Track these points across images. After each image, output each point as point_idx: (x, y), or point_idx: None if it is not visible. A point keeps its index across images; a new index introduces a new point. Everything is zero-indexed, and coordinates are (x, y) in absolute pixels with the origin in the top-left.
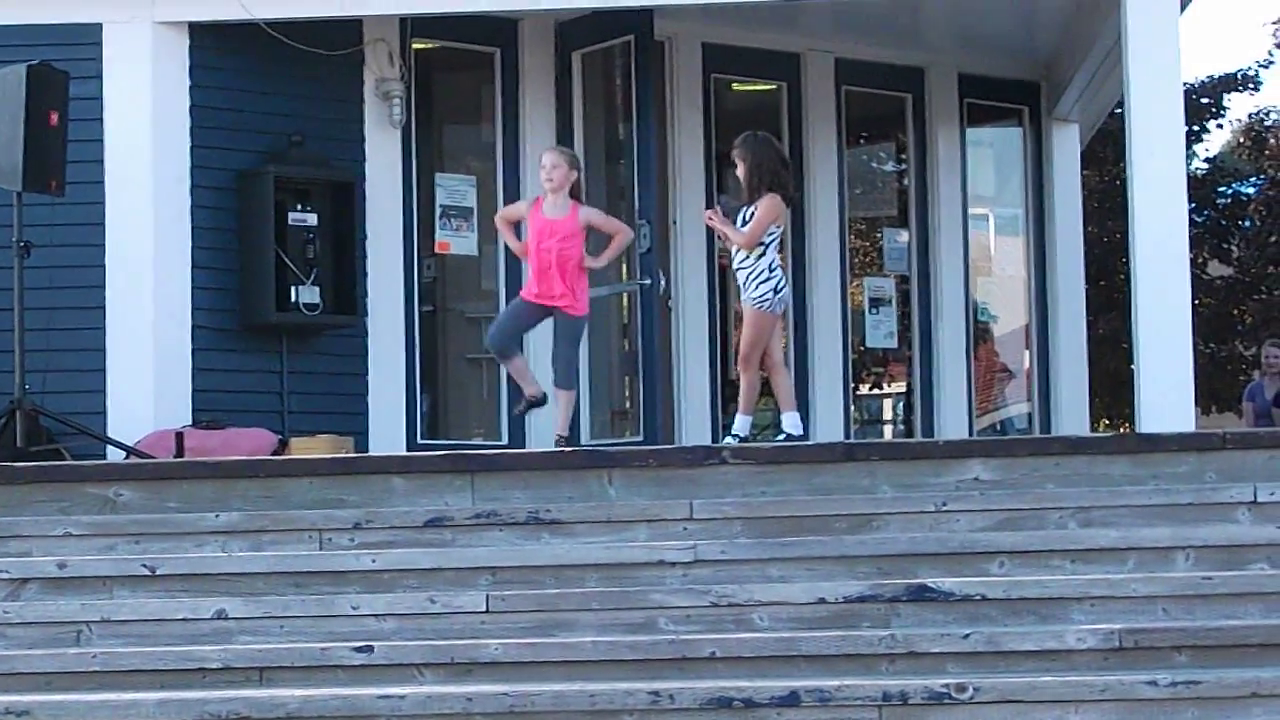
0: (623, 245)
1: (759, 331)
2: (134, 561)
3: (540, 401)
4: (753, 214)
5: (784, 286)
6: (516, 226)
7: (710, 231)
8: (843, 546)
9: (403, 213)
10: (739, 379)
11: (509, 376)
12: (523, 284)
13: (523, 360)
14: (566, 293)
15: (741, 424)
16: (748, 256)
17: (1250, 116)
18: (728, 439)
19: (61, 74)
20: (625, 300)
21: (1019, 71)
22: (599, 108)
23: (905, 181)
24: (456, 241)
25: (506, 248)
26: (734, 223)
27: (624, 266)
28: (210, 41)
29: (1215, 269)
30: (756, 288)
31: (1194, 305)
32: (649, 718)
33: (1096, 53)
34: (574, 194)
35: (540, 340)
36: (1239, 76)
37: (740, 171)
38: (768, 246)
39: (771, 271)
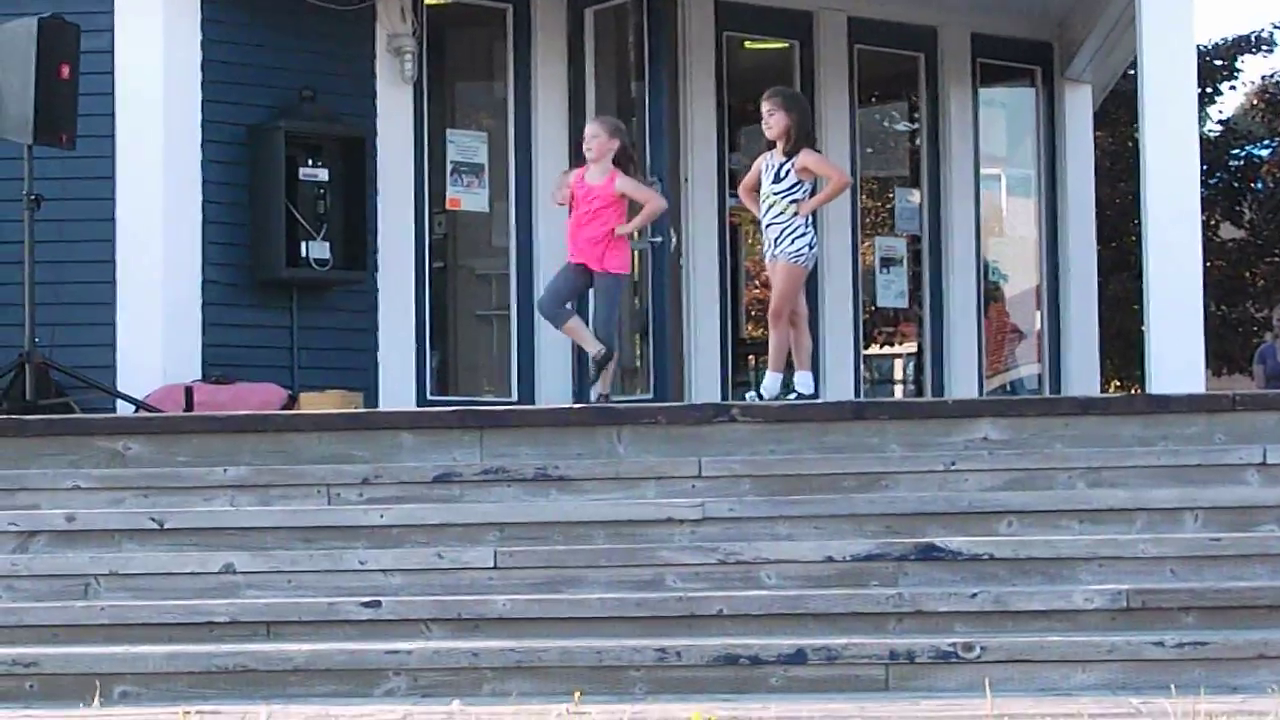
0: (652, 214)
1: (793, 285)
2: (142, 515)
3: (606, 358)
4: (789, 168)
5: (815, 241)
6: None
7: (721, 189)
8: (851, 505)
9: (414, 169)
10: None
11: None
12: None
13: (576, 320)
14: (598, 253)
15: (771, 382)
16: (781, 212)
17: (1264, 79)
18: (750, 395)
19: (73, 27)
20: (636, 258)
21: (1032, 32)
22: (611, 65)
23: (917, 141)
24: (467, 198)
25: (518, 205)
26: (771, 176)
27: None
28: None
29: (1227, 231)
30: (792, 242)
31: (1205, 267)
32: (656, 674)
33: (1110, 13)
34: (619, 160)
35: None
36: (1253, 38)
37: (775, 121)
38: (801, 201)
39: (807, 226)
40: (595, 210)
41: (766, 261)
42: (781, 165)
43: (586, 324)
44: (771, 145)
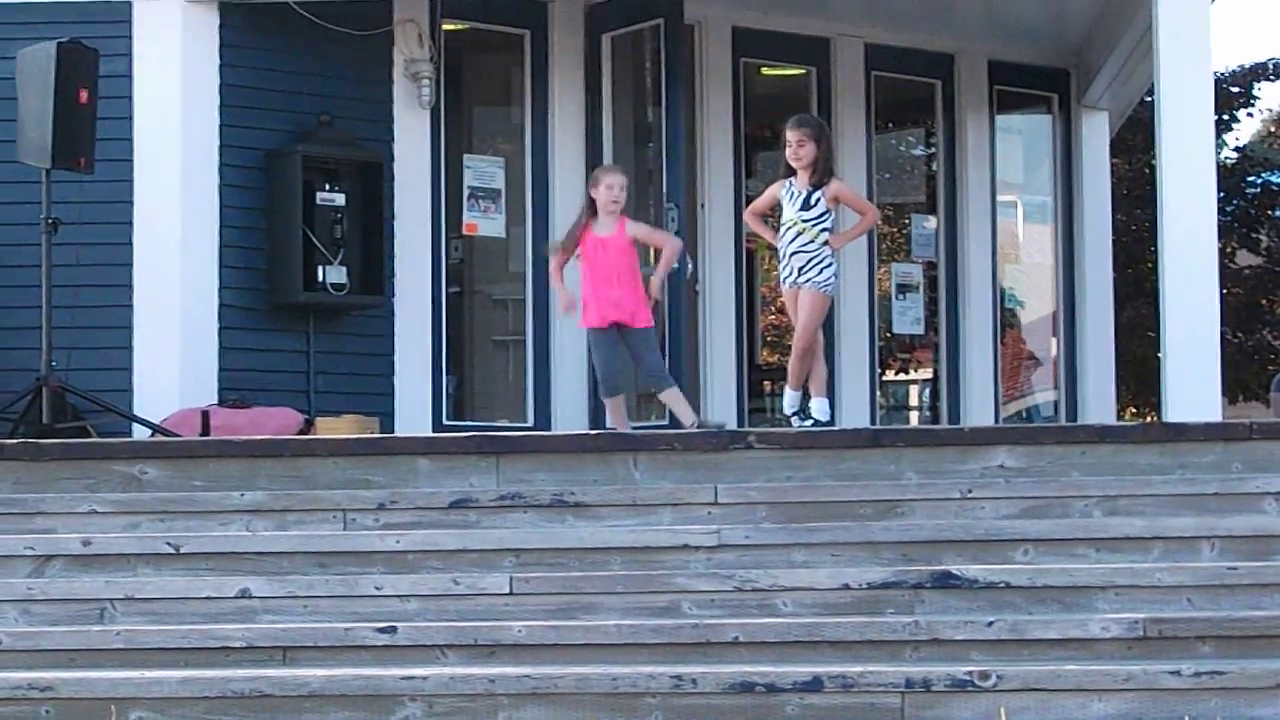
0: (671, 257)
1: (820, 313)
2: (159, 539)
3: (695, 411)
4: (819, 197)
5: (837, 270)
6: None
7: (738, 215)
8: (867, 532)
9: (431, 194)
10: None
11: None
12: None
13: (675, 390)
14: (634, 306)
15: (820, 407)
16: (811, 240)
17: None
18: (804, 423)
19: (91, 51)
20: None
21: (1049, 58)
22: (628, 91)
23: (934, 167)
24: (484, 223)
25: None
26: (798, 204)
27: (651, 251)
28: (240, 20)
29: (1244, 258)
30: (820, 271)
31: (1222, 294)
32: (672, 701)
33: (1127, 40)
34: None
35: None
36: (1270, 65)
37: (805, 153)
38: (831, 231)
39: (832, 256)
40: (614, 264)
41: (784, 288)
42: (810, 194)
43: (634, 381)
44: (790, 171)
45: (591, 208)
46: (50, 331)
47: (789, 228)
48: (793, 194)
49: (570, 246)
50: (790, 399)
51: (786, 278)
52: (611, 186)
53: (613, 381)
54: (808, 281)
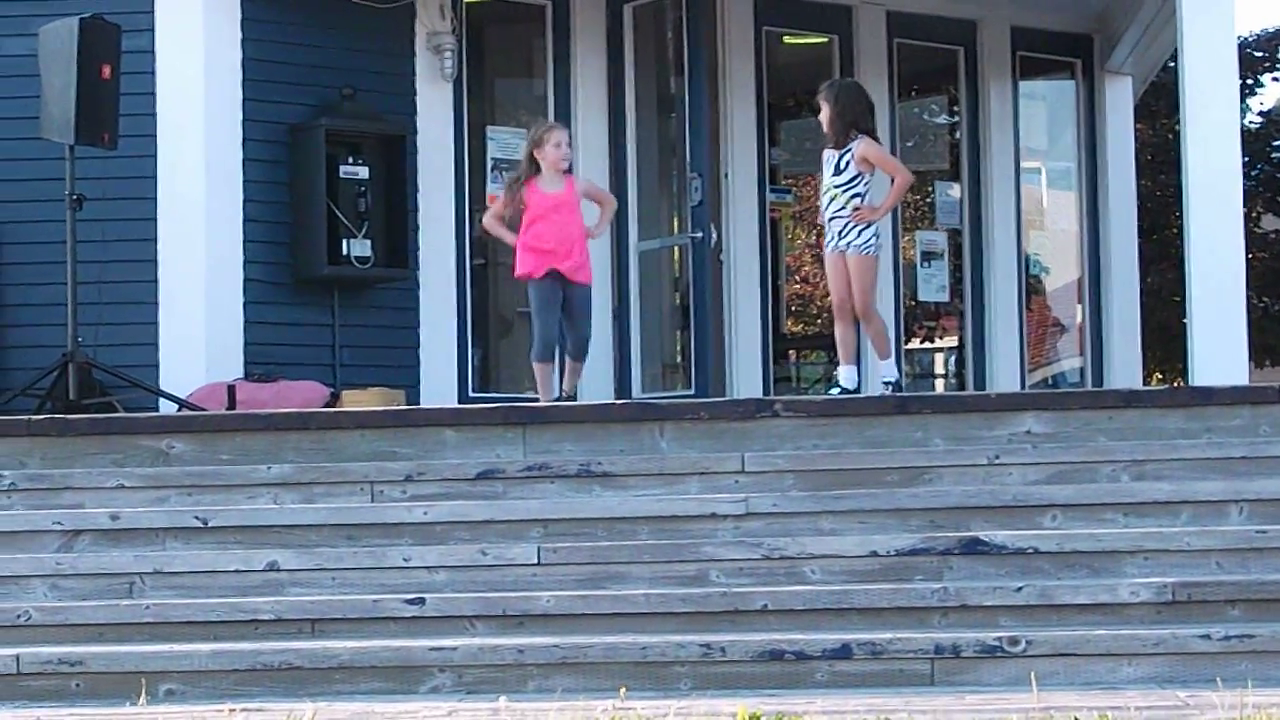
0: (610, 214)
1: (870, 276)
2: (186, 513)
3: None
4: (849, 160)
5: (879, 229)
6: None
7: (761, 184)
8: (895, 499)
9: (454, 166)
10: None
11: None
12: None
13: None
14: (582, 262)
15: (848, 375)
16: (844, 206)
17: None
18: (883, 388)
19: (114, 27)
20: (677, 254)
21: (1072, 24)
22: (650, 61)
23: (957, 135)
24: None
25: None
26: (832, 168)
27: (675, 219)
28: None
29: (1269, 223)
30: (859, 234)
31: (1247, 259)
32: (701, 670)
33: (1150, 5)
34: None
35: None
36: None
37: (822, 116)
38: (865, 196)
39: None
40: (566, 221)
41: (828, 254)
42: (840, 157)
43: (562, 354)
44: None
45: (532, 165)
46: (76, 307)
47: (826, 194)
48: (829, 159)
49: (510, 203)
50: (848, 373)
51: (829, 242)
52: (560, 144)
53: (551, 345)
54: (848, 245)
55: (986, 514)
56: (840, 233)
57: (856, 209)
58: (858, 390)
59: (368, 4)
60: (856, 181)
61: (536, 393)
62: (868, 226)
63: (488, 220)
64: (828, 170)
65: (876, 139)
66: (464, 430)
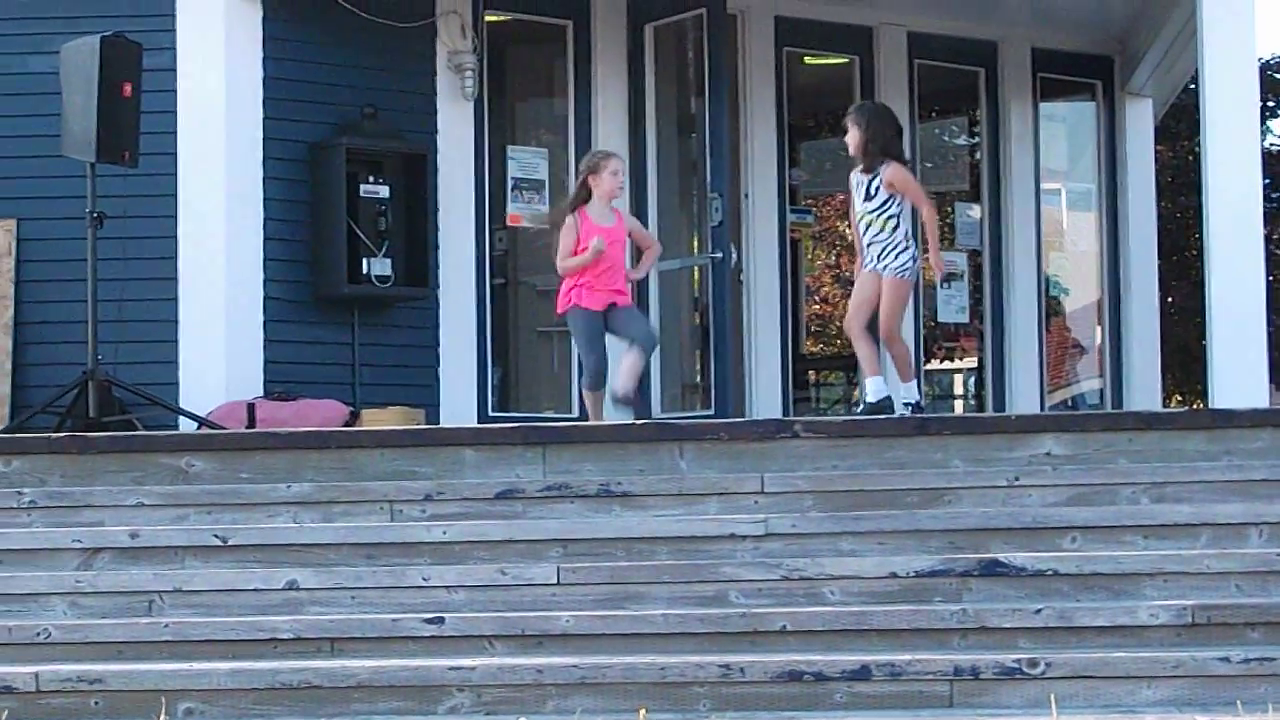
0: (653, 261)
1: (900, 301)
2: (206, 531)
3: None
4: (878, 184)
5: (916, 255)
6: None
7: (782, 205)
8: (914, 520)
9: (474, 185)
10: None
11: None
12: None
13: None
14: (625, 292)
15: (875, 387)
16: (881, 230)
17: None
18: (903, 409)
19: (135, 45)
20: (696, 274)
21: (1092, 46)
22: (671, 81)
23: (977, 156)
24: (528, 214)
25: None
26: (862, 193)
27: (695, 240)
28: (283, 12)
29: None
30: (896, 257)
31: (1268, 281)
32: (720, 690)
33: (1171, 27)
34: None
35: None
36: None
37: (850, 138)
38: (899, 217)
39: (907, 240)
40: (616, 256)
41: (863, 270)
42: (869, 181)
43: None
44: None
45: (584, 192)
46: (96, 325)
47: (860, 220)
48: (859, 184)
49: (571, 246)
50: (875, 385)
51: (866, 263)
52: (617, 173)
53: (602, 375)
54: (885, 268)
55: (1006, 535)
56: (879, 256)
57: (896, 228)
58: (888, 399)
59: (389, 23)
60: (889, 204)
61: (556, 412)
62: (904, 249)
63: (564, 265)
64: (858, 196)
65: (905, 163)
66: (484, 450)
